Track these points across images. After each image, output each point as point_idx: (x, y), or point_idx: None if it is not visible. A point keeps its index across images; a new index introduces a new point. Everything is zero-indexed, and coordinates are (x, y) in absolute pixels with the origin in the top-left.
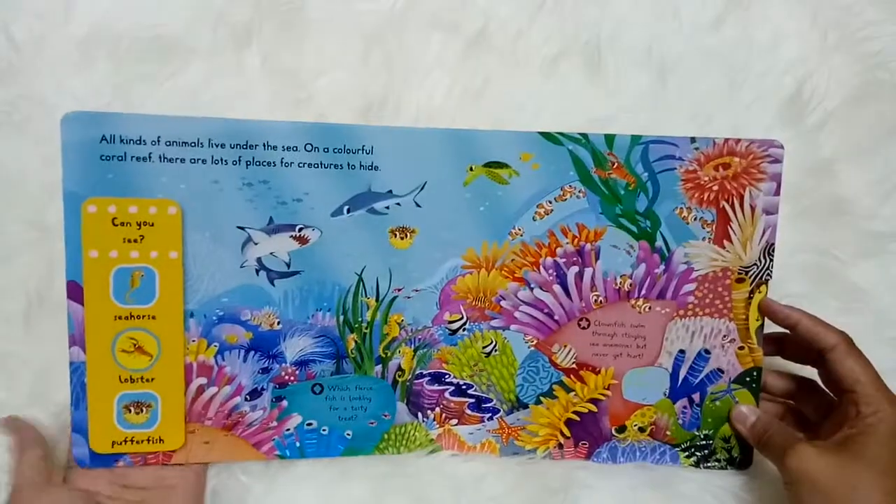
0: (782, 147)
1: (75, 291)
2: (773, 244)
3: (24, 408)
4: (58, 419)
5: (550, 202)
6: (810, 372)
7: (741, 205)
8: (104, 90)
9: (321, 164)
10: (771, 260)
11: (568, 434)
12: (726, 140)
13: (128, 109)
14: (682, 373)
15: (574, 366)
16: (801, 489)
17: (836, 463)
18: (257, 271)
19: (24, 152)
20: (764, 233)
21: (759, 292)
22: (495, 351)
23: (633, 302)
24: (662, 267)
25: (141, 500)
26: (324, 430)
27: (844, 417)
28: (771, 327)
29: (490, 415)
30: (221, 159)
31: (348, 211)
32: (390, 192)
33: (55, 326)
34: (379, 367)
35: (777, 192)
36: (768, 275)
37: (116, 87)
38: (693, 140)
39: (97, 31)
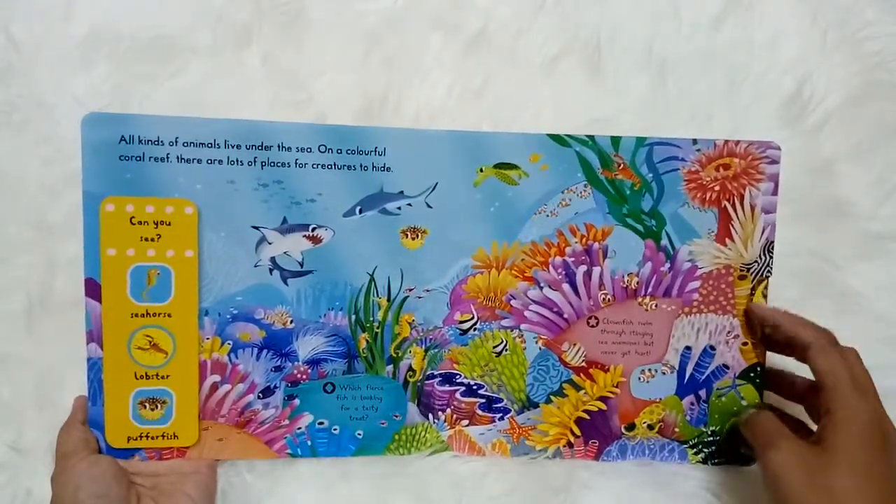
0: (779, 148)
1: (93, 289)
2: (772, 242)
3: (27, 408)
4: (61, 420)
5: (556, 207)
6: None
7: (741, 204)
8: (104, 90)
9: (334, 165)
10: (771, 257)
11: (578, 433)
12: (726, 141)
13: (127, 110)
14: (689, 369)
15: (584, 364)
16: (774, 488)
17: (810, 463)
18: (271, 270)
19: (24, 152)
20: (763, 231)
21: (761, 288)
22: (506, 350)
23: (640, 300)
24: (668, 265)
25: (154, 486)
26: (335, 429)
27: (822, 416)
28: None
29: (501, 415)
30: (237, 160)
31: (360, 211)
32: (402, 192)
33: (56, 327)
34: (390, 367)
35: (775, 192)
36: (768, 271)
37: (116, 87)
38: (695, 142)
39: (97, 31)
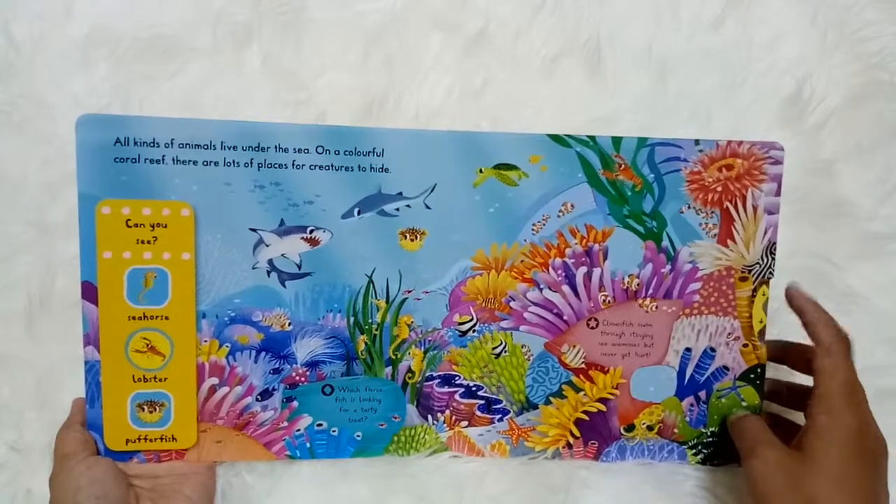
0: (782, 149)
1: (89, 292)
2: (774, 243)
3: (27, 408)
4: (61, 420)
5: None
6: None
7: (744, 205)
8: (104, 90)
9: (332, 166)
10: (773, 259)
11: (577, 434)
12: (729, 142)
13: (127, 110)
14: (689, 371)
15: (583, 365)
16: (755, 495)
17: (790, 471)
18: (269, 273)
19: (24, 152)
20: (766, 232)
21: (762, 290)
22: (505, 352)
23: (640, 301)
24: (669, 266)
25: (152, 488)
26: (334, 431)
27: (806, 419)
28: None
29: (500, 416)
30: (234, 161)
31: (359, 213)
32: (400, 193)
33: (57, 327)
34: (389, 369)
35: (778, 193)
36: (770, 273)
37: (116, 87)
38: (697, 142)
39: (97, 31)
